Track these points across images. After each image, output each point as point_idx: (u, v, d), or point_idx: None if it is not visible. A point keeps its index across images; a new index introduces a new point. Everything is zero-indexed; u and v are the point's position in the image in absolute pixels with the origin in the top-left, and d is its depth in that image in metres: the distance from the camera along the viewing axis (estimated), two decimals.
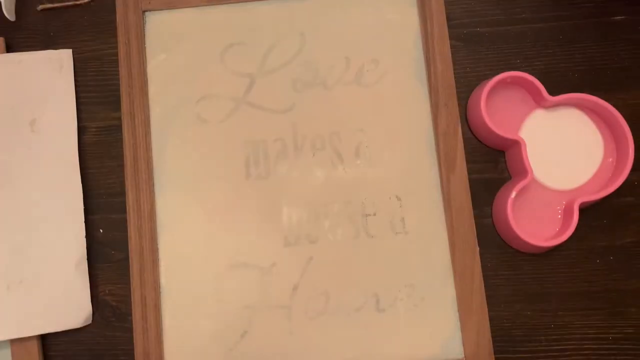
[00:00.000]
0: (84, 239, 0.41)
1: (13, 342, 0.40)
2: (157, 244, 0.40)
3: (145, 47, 0.43)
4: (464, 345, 0.39)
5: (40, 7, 0.44)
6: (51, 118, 0.42)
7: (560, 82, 0.42)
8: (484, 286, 0.39)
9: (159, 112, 0.42)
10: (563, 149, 0.40)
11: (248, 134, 0.42)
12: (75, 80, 0.43)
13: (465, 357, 0.39)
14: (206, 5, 0.43)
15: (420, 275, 0.40)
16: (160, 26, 0.43)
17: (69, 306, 0.40)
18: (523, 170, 0.39)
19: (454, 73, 0.42)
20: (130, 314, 0.40)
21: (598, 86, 0.42)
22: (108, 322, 0.41)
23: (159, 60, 0.43)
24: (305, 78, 0.42)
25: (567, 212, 0.39)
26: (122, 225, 0.41)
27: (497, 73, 0.40)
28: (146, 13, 0.43)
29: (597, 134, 0.40)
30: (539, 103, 0.40)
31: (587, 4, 0.43)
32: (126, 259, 0.41)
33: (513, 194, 0.38)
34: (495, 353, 0.39)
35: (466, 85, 0.42)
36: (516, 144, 0.39)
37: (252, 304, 0.40)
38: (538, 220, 0.39)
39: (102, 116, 0.43)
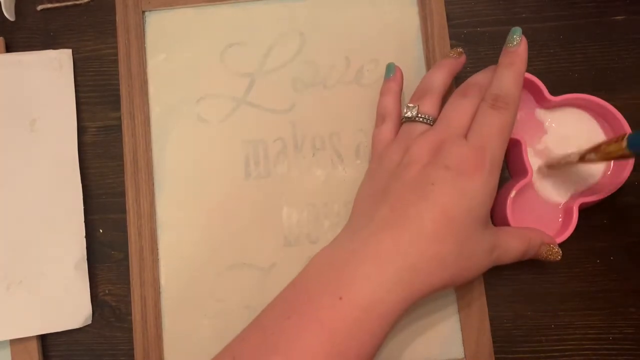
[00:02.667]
0: (84, 239, 0.41)
1: (13, 342, 0.40)
2: (157, 244, 0.40)
3: (145, 47, 0.43)
4: (464, 345, 0.39)
5: (40, 7, 0.44)
6: (51, 118, 0.42)
7: (560, 82, 0.42)
8: (484, 286, 0.39)
9: (158, 112, 0.42)
10: (564, 149, 0.40)
11: (248, 134, 0.42)
12: (75, 80, 0.43)
13: (465, 357, 0.39)
14: (206, 5, 0.43)
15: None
16: (160, 26, 0.43)
17: (68, 306, 0.40)
18: (523, 170, 0.39)
19: None
20: (130, 314, 0.40)
21: (598, 86, 0.42)
22: (108, 322, 0.41)
23: (158, 60, 0.43)
24: (305, 78, 0.42)
25: (567, 212, 0.39)
26: (122, 225, 0.41)
27: None
28: (146, 13, 0.43)
29: (599, 134, 0.40)
30: (540, 103, 0.40)
31: (587, 4, 0.43)
32: (126, 259, 0.41)
33: (512, 193, 0.38)
34: (495, 353, 0.39)
35: None
36: (517, 144, 0.39)
37: (252, 304, 0.40)
38: (537, 220, 0.39)
39: (102, 116, 0.43)
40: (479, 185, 0.33)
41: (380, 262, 0.31)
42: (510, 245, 0.35)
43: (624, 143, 0.34)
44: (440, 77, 0.38)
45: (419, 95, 0.38)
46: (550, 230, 0.39)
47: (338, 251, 0.33)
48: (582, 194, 0.39)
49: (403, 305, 0.31)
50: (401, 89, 0.40)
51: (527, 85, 0.40)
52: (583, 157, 0.37)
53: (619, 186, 0.38)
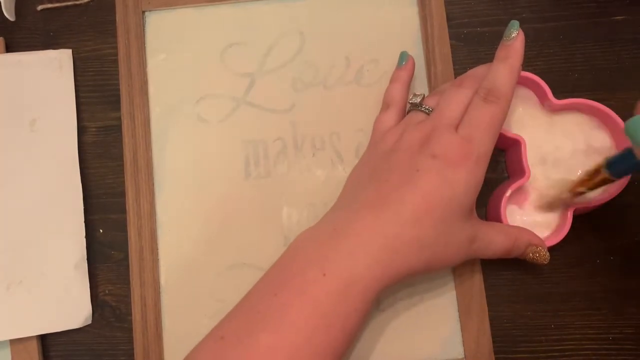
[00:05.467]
0: (84, 239, 0.41)
1: (13, 342, 0.40)
2: (157, 244, 0.40)
3: (145, 47, 0.43)
4: (464, 345, 0.39)
5: (40, 7, 0.44)
6: (51, 118, 0.42)
7: (560, 82, 0.42)
8: (484, 286, 0.39)
9: (159, 112, 0.42)
10: (564, 152, 0.40)
11: (248, 134, 0.42)
12: (75, 80, 0.43)
13: (465, 357, 0.39)
14: (206, 5, 0.43)
15: (420, 276, 0.40)
16: (160, 26, 0.43)
17: (68, 306, 0.40)
18: (521, 171, 0.39)
19: (454, 73, 0.42)
20: (130, 314, 0.40)
21: (598, 86, 0.42)
22: (108, 322, 0.41)
23: (158, 60, 0.43)
24: (305, 78, 0.42)
25: (562, 216, 0.39)
26: (122, 225, 0.41)
27: None
28: (146, 13, 0.43)
29: (600, 141, 0.40)
30: (544, 105, 0.40)
31: (588, 4, 0.43)
32: (126, 259, 0.41)
33: (508, 192, 0.38)
34: (495, 353, 0.39)
35: None
36: (516, 143, 0.39)
37: None
38: (532, 222, 0.39)
39: (102, 116, 0.43)
40: (463, 176, 0.33)
41: (362, 239, 0.32)
42: (494, 239, 0.36)
43: (604, 170, 0.34)
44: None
45: (434, 93, 0.39)
46: (544, 233, 0.39)
47: (321, 228, 0.34)
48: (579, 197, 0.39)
49: (382, 284, 0.32)
50: (411, 78, 0.41)
51: (532, 86, 0.40)
52: (574, 193, 0.37)
53: (616, 194, 0.38)
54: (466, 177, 0.33)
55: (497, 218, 0.39)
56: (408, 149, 0.35)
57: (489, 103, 0.34)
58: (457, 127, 0.35)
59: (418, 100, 0.38)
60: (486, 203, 0.41)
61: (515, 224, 0.39)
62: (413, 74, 0.41)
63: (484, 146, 0.34)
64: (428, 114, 0.37)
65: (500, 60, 0.35)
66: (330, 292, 0.31)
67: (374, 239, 0.32)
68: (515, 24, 0.35)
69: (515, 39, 0.35)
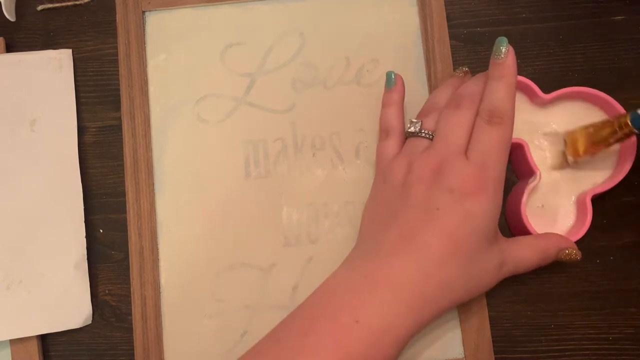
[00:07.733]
0: (84, 239, 0.41)
1: (13, 342, 0.40)
2: (157, 244, 0.40)
3: (145, 47, 0.43)
4: (464, 345, 0.39)
5: (40, 7, 0.44)
6: (51, 118, 0.42)
7: (560, 82, 0.42)
8: None
9: (159, 112, 0.42)
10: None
11: (248, 134, 0.42)
12: (75, 80, 0.43)
13: (465, 357, 0.39)
14: (206, 5, 0.43)
15: None
16: (160, 26, 0.43)
17: (69, 306, 0.40)
18: (530, 171, 0.38)
19: None
20: (130, 314, 0.40)
21: (598, 86, 0.42)
22: (108, 322, 0.41)
23: (159, 60, 0.43)
24: (305, 78, 0.42)
25: (580, 206, 0.39)
26: (122, 225, 0.41)
27: None
28: (146, 13, 0.43)
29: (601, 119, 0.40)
30: (535, 102, 0.40)
31: (587, 4, 0.43)
32: (126, 259, 0.41)
33: (524, 197, 0.38)
34: (495, 353, 0.39)
35: None
36: (519, 147, 0.39)
37: (252, 304, 0.40)
38: (552, 220, 0.39)
39: (102, 116, 0.43)
40: (485, 205, 0.33)
41: (393, 288, 0.32)
42: (523, 256, 0.35)
43: (629, 120, 0.35)
44: (446, 96, 0.38)
45: (424, 113, 0.38)
46: (567, 227, 0.39)
47: (352, 274, 0.34)
48: (591, 183, 0.39)
49: (415, 329, 0.32)
50: (403, 98, 0.39)
51: (520, 87, 0.40)
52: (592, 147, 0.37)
53: (627, 172, 0.38)
54: (488, 206, 0.33)
55: (521, 230, 0.38)
56: (421, 183, 0.34)
57: (494, 125, 0.34)
58: (465, 152, 0.34)
59: (417, 127, 0.37)
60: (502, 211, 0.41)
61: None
62: (404, 93, 0.39)
63: (498, 170, 0.34)
64: (430, 139, 0.36)
65: (496, 80, 0.34)
66: (361, 339, 0.31)
67: (405, 288, 0.32)
68: (503, 40, 0.34)
69: (506, 56, 0.34)
